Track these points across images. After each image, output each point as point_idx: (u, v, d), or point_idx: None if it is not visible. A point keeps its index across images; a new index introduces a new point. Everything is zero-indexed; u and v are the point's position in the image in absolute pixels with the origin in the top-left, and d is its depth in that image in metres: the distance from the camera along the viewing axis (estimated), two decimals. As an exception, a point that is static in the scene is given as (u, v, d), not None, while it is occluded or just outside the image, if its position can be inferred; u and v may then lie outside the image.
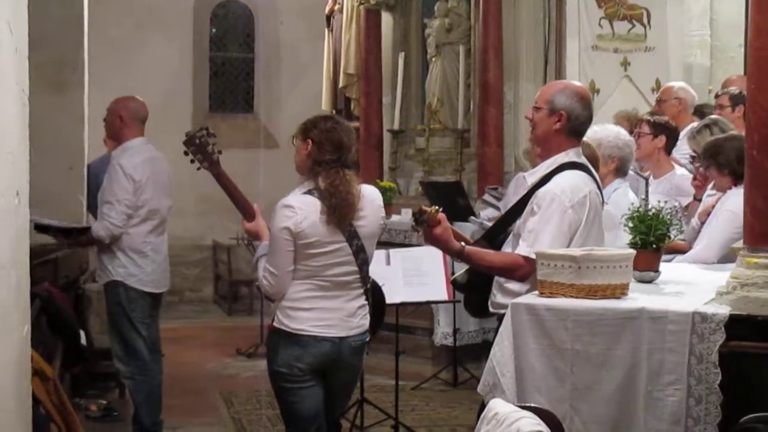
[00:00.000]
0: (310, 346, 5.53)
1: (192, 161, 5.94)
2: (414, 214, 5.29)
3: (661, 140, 7.86)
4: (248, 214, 5.88)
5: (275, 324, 5.58)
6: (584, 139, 6.43)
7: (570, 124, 5.38)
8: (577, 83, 6.02)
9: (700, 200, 7.22)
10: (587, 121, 5.48)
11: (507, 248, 5.49)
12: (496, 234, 5.57)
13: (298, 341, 5.53)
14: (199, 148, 5.90)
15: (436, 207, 5.31)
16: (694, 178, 7.40)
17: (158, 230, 7.95)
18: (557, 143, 5.41)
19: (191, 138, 5.91)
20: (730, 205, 6.32)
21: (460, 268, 5.97)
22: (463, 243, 5.37)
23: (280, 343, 5.57)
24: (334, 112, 13.19)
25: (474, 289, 5.68)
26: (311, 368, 5.57)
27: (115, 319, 7.73)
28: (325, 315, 5.55)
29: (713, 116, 7.93)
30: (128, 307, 7.69)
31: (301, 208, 5.42)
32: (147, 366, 7.84)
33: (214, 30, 16.95)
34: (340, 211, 5.44)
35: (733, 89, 9.04)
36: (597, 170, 6.51)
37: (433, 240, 5.34)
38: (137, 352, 7.76)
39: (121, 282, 7.66)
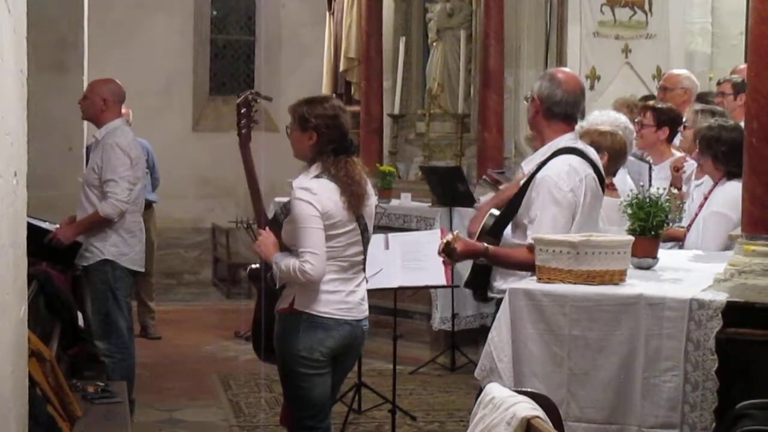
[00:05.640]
0: (333, 330, 5.51)
1: (237, 123, 5.88)
2: (444, 251, 5.39)
3: (664, 132, 7.86)
4: (256, 196, 5.86)
5: (297, 307, 5.51)
6: (593, 126, 6.47)
7: (544, 106, 5.44)
8: (563, 69, 6.06)
9: (679, 189, 7.20)
10: (563, 101, 5.46)
11: (507, 234, 5.53)
12: (502, 227, 5.58)
13: (322, 324, 5.49)
14: (248, 111, 5.86)
15: (451, 234, 5.38)
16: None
17: (141, 210, 8.13)
18: (541, 128, 5.54)
19: (246, 99, 5.87)
20: (717, 206, 6.31)
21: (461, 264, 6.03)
22: (484, 243, 5.41)
23: (302, 326, 5.50)
24: (334, 95, 13.14)
25: (482, 281, 5.72)
26: (331, 352, 5.55)
27: (100, 298, 7.84)
28: (347, 298, 5.56)
29: (718, 108, 7.86)
30: (114, 285, 7.81)
31: (320, 190, 5.41)
32: (127, 345, 7.98)
33: (215, 12, 16.89)
34: (357, 199, 5.46)
35: (736, 77, 9.00)
36: (624, 157, 6.57)
37: (461, 257, 5.49)
38: (118, 330, 7.88)
39: (111, 261, 7.77)
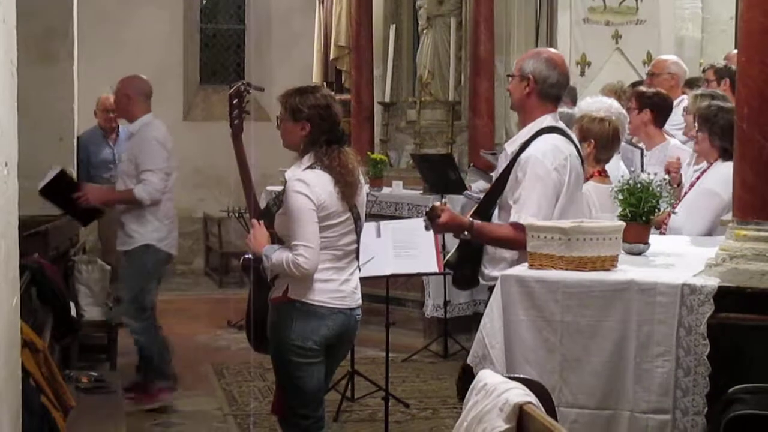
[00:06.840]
0: (327, 319, 5.50)
1: (230, 114, 5.96)
2: (427, 214, 5.50)
3: (646, 114, 7.84)
4: (248, 186, 5.90)
5: (290, 296, 5.48)
6: (586, 112, 6.49)
7: (539, 87, 5.49)
8: (552, 50, 6.10)
9: (676, 185, 7.20)
10: (558, 83, 5.53)
11: (494, 220, 5.55)
12: (488, 208, 5.60)
13: (315, 313, 5.48)
14: (240, 102, 5.93)
15: (444, 201, 5.42)
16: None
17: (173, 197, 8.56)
18: (531, 108, 5.55)
19: (238, 90, 5.95)
20: (710, 182, 6.31)
21: (451, 242, 6.01)
22: (470, 218, 5.44)
23: (295, 315, 5.48)
24: (324, 84, 13.13)
25: (466, 264, 5.72)
26: (325, 341, 5.54)
27: (136, 280, 8.29)
28: (341, 287, 5.55)
29: (718, 92, 7.84)
30: (152, 268, 8.33)
31: (314, 181, 5.39)
32: (155, 323, 8.48)
33: (204, 1, 16.86)
34: (351, 189, 5.47)
35: (719, 63, 9.02)
36: (617, 144, 6.59)
37: (443, 228, 5.57)
38: (147, 311, 8.36)
39: (153, 245, 8.23)
